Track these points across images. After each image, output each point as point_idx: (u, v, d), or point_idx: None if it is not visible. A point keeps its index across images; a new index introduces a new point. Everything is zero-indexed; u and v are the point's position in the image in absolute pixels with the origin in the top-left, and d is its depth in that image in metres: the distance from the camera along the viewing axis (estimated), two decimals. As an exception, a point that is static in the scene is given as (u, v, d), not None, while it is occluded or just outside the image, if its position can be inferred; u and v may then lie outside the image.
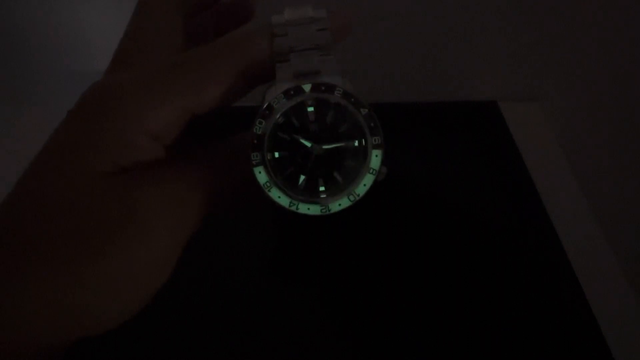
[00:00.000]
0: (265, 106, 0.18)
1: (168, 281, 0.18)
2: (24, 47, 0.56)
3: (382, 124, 0.18)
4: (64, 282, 0.16)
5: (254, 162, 0.17)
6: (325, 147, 0.18)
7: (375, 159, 0.18)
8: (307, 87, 0.18)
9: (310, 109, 0.18)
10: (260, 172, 0.17)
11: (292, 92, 0.18)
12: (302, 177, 0.18)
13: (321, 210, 0.18)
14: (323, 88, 0.18)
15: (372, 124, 0.18)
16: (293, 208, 0.18)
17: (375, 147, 0.18)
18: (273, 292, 0.42)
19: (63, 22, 0.54)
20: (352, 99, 0.18)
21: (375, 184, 0.18)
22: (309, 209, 0.18)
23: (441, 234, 0.47)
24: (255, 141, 0.17)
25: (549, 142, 0.58)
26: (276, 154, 0.18)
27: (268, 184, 0.17)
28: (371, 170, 0.18)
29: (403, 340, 0.40)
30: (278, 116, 0.18)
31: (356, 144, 0.18)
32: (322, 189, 0.18)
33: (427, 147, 0.55)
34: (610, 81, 0.52)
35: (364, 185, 0.18)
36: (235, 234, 0.45)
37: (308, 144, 0.18)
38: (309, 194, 0.18)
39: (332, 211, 0.18)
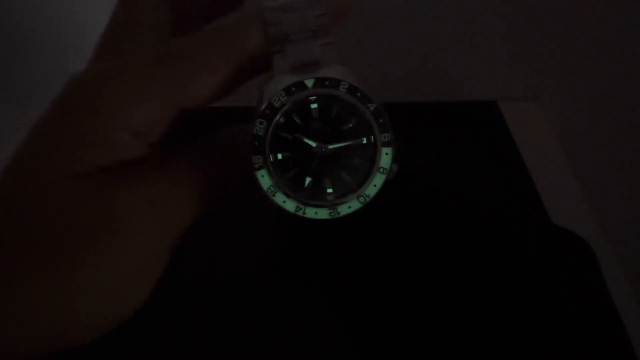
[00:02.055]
0: (265, 105, 0.16)
1: (167, 281, 0.17)
2: (24, 47, 0.56)
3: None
4: (42, 293, 0.15)
5: (255, 166, 0.16)
6: (331, 146, 0.17)
7: (386, 157, 0.17)
8: (309, 83, 0.16)
9: (314, 105, 0.17)
10: (263, 176, 0.16)
11: (293, 89, 0.16)
12: (308, 179, 0.17)
13: (329, 213, 0.17)
14: (327, 83, 0.16)
15: (380, 120, 0.17)
16: (300, 213, 0.16)
17: (385, 144, 0.17)
18: (276, 294, 0.42)
19: (63, 22, 0.54)
20: (359, 94, 0.16)
21: (386, 183, 0.17)
22: (316, 213, 0.16)
23: (440, 233, 0.47)
24: (256, 143, 0.16)
25: (549, 142, 0.57)
26: (279, 156, 0.17)
27: (272, 188, 0.16)
28: (381, 170, 0.17)
29: (409, 343, 0.39)
30: (279, 115, 0.16)
31: (364, 141, 0.17)
32: (329, 190, 0.17)
33: (427, 147, 0.55)
34: (610, 81, 0.52)
35: (375, 185, 0.17)
36: (236, 234, 0.45)
37: (313, 144, 0.17)
38: (316, 197, 0.17)
39: (341, 214, 0.17)
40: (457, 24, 0.54)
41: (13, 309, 0.15)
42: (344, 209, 0.17)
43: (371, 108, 0.17)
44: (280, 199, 0.16)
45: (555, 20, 0.53)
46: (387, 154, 0.17)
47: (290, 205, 0.16)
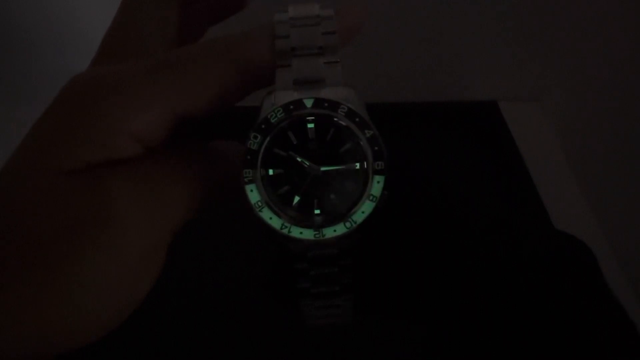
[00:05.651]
0: (261, 119, 0.16)
1: (166, 282, 0.17)
2: (24, 47, 0.56)
3: (388, 148, 0.17)
4: (40, 293, 0.14)
5: (245, 179, 0.16)
6: (323, 168, 0.17)
7: (377, 185, 0.17)
8: (308, 102, 0.16)
9: (311, 125, 0.17)
10: (252, 191, 0.16)
11: (291, 107, 0.16)
12: (297, 198, 0.17)
13: (314, 235, 0.16)
14: (326, 104, 0.16)
15: (376, 148, 0.17)
16: (284, 231, 0.16)
17: (378, 172, 0.17)
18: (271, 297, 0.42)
19: (63, 21, 0.54)
20: (357, 119, 0.16)
21: (375, 211, 0.17)
22: (301, 232, 0.16)
23: (440, 233, 0.47)
24: (249, 157, 0.16)
25: (549, 142, 0.57)
26: (270, 171, 0.17)
27: (259, 204, 0.16)
28: (371, 197, 0.17)
29: (408, 352, 0.39)
30: (275, 131, 0.16)
31: (357, 167, 0.17)
32: (317, 212, 0.17)
33: (427, 147, 0.55)
34: (611, 81, 0.52)
35: (363, 212, 0.17)
36: (233, 236, 0.45)
37: (305, 163, 0.17)
38: (303, 217, 0.17)
39: (326, 237, 0.16)
40: (457, 24, 0.54)
41: (10, 309, 0.15)
42: (329, 232, 0.16)
43: (368, 135, 0.17)
44: (266, 215, 0.16)
45: (555, 20, 0.53)
46: (378, 182, 0.17)
47: (276, 223, 0.16)
